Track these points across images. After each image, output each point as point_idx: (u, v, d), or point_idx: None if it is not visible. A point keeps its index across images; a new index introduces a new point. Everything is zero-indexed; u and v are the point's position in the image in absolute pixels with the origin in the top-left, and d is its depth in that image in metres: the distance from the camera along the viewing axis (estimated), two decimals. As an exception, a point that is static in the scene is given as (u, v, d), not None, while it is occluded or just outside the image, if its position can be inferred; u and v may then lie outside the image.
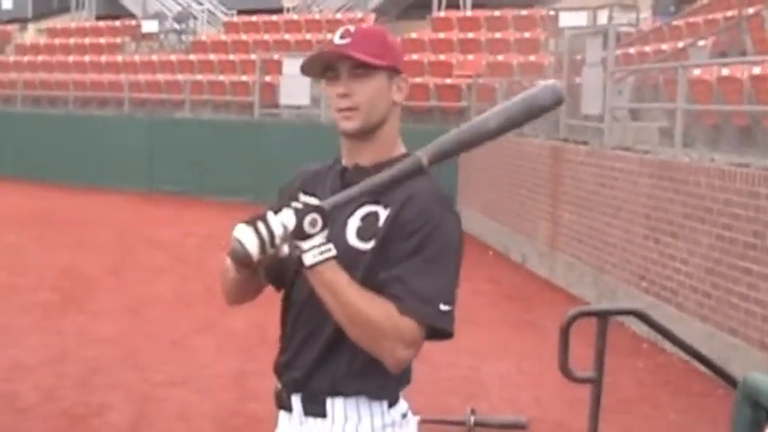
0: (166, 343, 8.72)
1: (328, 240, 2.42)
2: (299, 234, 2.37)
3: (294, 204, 2.40)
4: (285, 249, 2.45)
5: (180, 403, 7.00)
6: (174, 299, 10.55)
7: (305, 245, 2.39)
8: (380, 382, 2.58)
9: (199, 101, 22.59)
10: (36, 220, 16.83)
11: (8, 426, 6.49)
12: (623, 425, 6.86)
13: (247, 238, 2.36)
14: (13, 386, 7.34)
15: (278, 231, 2.37)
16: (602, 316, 4.94)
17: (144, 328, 9.27)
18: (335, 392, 2.59)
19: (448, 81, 19.38)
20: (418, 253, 2.48)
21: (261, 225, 2.37)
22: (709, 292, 8.18)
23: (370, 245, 2.53)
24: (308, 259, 2.39)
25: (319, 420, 2.61)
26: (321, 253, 2.39)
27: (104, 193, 20.64)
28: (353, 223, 2.55)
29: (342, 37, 2.58)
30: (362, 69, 2.56)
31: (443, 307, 2.47)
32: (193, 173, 20.34)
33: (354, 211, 2.56)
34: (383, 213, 2.54)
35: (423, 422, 6.72)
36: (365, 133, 2.61)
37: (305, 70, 2.65)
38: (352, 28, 2.61)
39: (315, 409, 2.61)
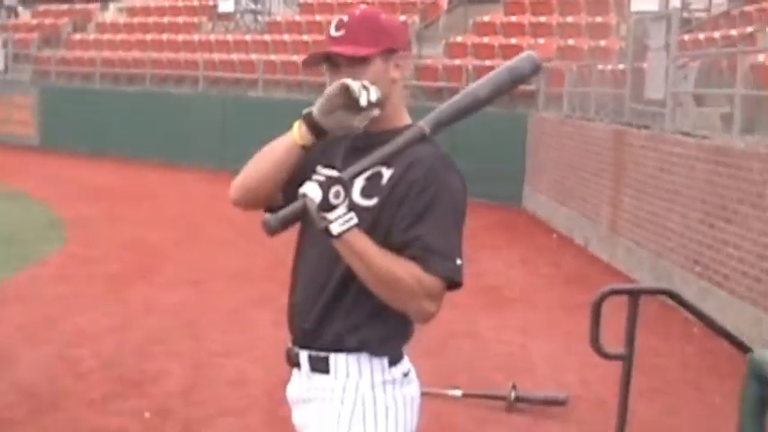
0: (225, 314, 8.98)
1: (349, 209, 2.60)
2: (326, 206, 2.55)
3: (316, 177, 2.58)
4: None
5: (233, 371, 7.24)
6: (236, 273, 10.80)
7: (331, 216, 2.56)
8: (381, 336, 2.76)
9: (272, 80, 22.88)
10: (110, 195, 17.29)
11: (67, 389, 6.77)
12: (665, 405, 6.94)
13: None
14: (76, 352, 7.65)
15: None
16: (633, 294, 5.05)
17: (205, 300, 9.54)
18: (338, 348, 2.77)
19: (518, 64, 19.32)
20: (430, 211, 2.67)
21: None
22: (759, 277, 8.19)
23: (373, 202, 2.72)
24: (336, 229, 2.57)
25: (324, 376, 2.80)
26: (346, 222, 2.58)
27: (178, 169, 21.04)
28: (359, 183, 2.73)
29: (337, 29, 2.79)
30: (359, 59, 2.74)
31: (458, 261, 2.69)
32: (264, 151, 20.57)
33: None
34: (386, 173, 2.72)
35: (465, 396, 6.91)
36: None
37: (306, 64, 2.89)
38: (345, 17, 2.80)
39: (319, 365, 2.80)
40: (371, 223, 2.69)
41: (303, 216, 2.62)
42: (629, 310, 5.06)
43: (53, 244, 12.44)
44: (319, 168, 2.68)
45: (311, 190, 2.56)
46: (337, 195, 2.56)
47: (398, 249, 2.66)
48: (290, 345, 2.90)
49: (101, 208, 15.61)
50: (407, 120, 2.86)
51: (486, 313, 9.60)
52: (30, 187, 17.57)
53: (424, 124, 2.78)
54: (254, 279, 10.46)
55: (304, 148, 2.75)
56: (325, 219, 2.57)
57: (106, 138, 23.29)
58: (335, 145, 2.87)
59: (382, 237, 2.68)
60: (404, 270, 2.62)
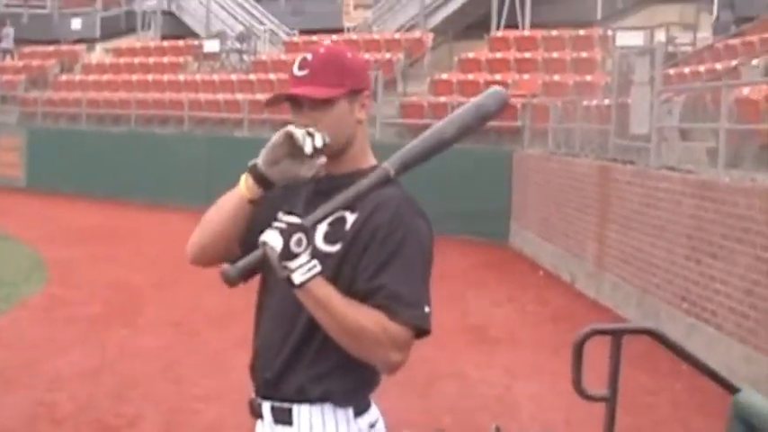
0: (205, 357, 8.83)
1: (312, 257, 2.48)
2: (287, 255, 2.42)
3: (277, 225, 2.46)
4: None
5: (211, 417, 7.09)
6: (217, 314, 10.61)
7: (293, 264, 2.44)
8: (345, 386, 2.64)
9: (257, 120, 22.82)
10: (94, 236, 17.13)
11: (43, 435, 6.64)
12: (653, 446, 6.82)
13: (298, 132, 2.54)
14: (52, 396, 7.50)
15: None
16: (616, 334, 4.93)
17: (185, 342, 9.40)
18: (301, 399, 2.65)
19: (503, 101, 19.31)
20: (395, 258, 2.55)
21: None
22: (747, 314, 8.08)
23: (336, 248, 2.60)
24: (297, 278, 2.45)
25: (287, 428, 2.67)
26: (308, 270, 2.46)
27: (163, 209, 20.89)
28: (321, 228, 2.61)
29: (300, 68, 2.67)
30: (322, 100, 2.63)
31: (426, 309, 2.57)
32: (251, 191, 20.53)
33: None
34: (350, 218, 2.61)
35: (447, 440, 6.73)
36: (334, 155, 2.67)
37: (269, 104, 2.75)
38: (309, 56, 2.68)
39: (282, 416, 2.67)
40: (335, 270, 2.58)
41: (263, 265, 2.50)
42: (612, 351, 4.91)
43: (35, 286, 12.29)
44: (280, 215, 2.55)
45: (272, 238, 2.43)
46: (299, 243, 2.44)
47: (363, 298, 2.54)
48: (252, 395, 2.78)
49: (84, 249, 15.46)
50: (372, 161, 2.76)
51: (472, 353, 9.47)
52: (15, 229, 17.39)
53: (389, 166, 2.66)
54: (235, 321, 10.25)
55: (252, 202, 2.63)
56: (286, 268, 2.45)
57: (92, 178, 23.16)
58: (297, 189, 2.77)
59: (346, 284, 2.57)
60: (369, 319, 2.50)
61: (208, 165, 21.35)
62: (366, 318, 2.50)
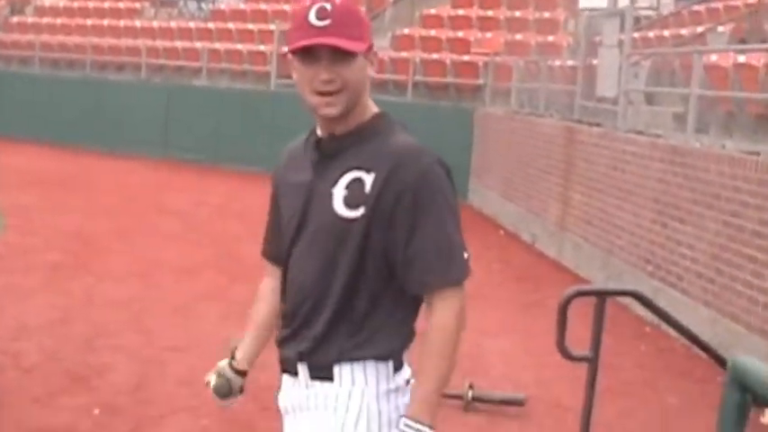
0: (172, 309, 8.76)
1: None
2: None
3: None
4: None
5: (182, 368, 7.03)
6: (182, 265, 10.55)
7: None
8: (386, 346, 2.63)
9: (216, 69, 22.59)
10: (49, 183, 16.89)
11: (11, 383, 6.53)
12: (621, 406, 6.87)
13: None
14: (19, 345, 7.38)
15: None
16: (601, 296, 4.96)
17: (151, 293, 9.30)
18: (341, 360, 2.62)
19: (465, 58, 19.30)
20: (427, 217, 2.54)
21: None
22: (713, 278, 8.18)
23: (359, 212, 2.56)
24: None
25: (326, 383, 2.64)
26: None
27: (119, 158, 20.67)
28: (339, 192, 2.57)
29: (320, 18, 2.53)
30: (344, 53, 2.54)
31: (465, 255, 2.60)
32: (209, 141, 20.39)
33: (338, 179, 2.59)
34: (368, 178, 2.56)
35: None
36: (347, 112, 2.61)
37: (292, 53, 2.62)
38: (328, 5, 2.54)
39: (322, 373, 2.65)
40: (364, 235, 2.55)
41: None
42: (596, 312, 4.98)
43: (-10, 232, 12.06)
44: None
45: None
46: None
47: (403, 267, 2.55)
48: (285, 355, 2.75)
49: (38, 196, 15.22)
50: (374, 108, 2.70)
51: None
52: (-37, 173, 17.10)
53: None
54: (201, 272, 10.24)
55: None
56: None
57: (44, 124, 22.85)
58: (299, 158, 2.73)
59: (379, 248, 2.55)
60: (444, 334, 2.55)
61: (165, 113, 21.13)
62: (444, 339, 2.55)
